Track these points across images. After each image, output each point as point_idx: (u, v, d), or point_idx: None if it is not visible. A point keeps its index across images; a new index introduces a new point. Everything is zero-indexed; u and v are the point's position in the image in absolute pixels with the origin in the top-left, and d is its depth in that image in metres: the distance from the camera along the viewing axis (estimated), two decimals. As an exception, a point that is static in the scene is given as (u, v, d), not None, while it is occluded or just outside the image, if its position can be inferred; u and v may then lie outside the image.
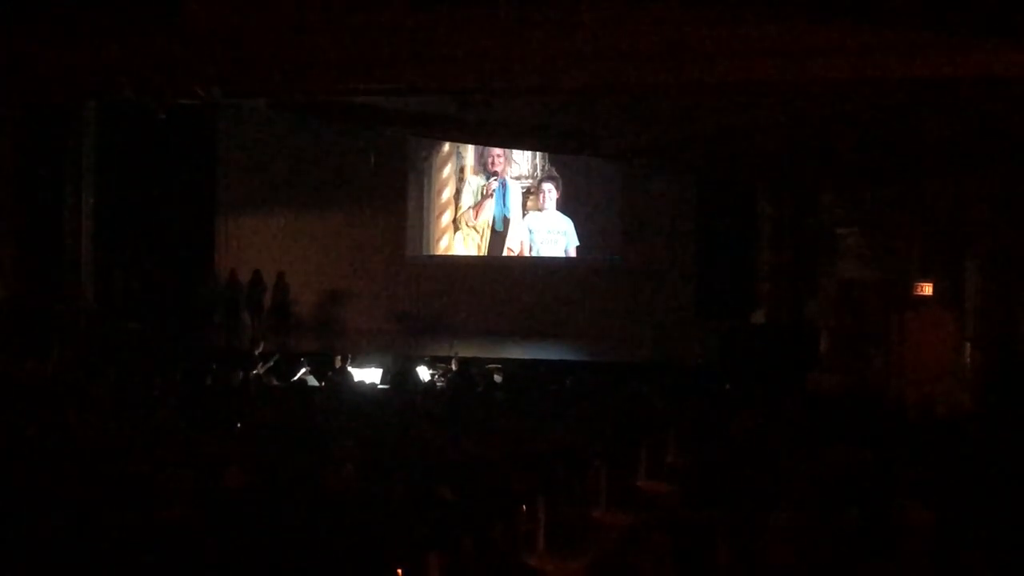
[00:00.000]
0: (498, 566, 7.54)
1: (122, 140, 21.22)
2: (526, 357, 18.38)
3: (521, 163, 22.50)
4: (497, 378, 15.49)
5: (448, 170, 22.92)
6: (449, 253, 22.88)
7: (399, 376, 15.20)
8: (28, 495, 7.13)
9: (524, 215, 22.53)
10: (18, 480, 7.55)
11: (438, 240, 22.99)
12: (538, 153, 21.96)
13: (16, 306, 17.95)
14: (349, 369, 15.05)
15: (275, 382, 15.01)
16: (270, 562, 6.02)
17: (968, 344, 14.26)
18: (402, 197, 22.80)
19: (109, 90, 14.45)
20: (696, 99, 13.57)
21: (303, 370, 15.33)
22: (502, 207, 22.55)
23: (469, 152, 22.65)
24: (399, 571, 6.68)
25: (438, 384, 15.08)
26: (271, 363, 15.68)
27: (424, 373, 15.88)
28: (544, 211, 22.45)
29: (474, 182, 22.77)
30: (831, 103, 13.04)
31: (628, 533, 8.44)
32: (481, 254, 22.69)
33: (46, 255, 19.97)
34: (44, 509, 6.83)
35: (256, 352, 16.12)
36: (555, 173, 22.31)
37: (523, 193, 22.53)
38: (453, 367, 15.78)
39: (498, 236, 22.57)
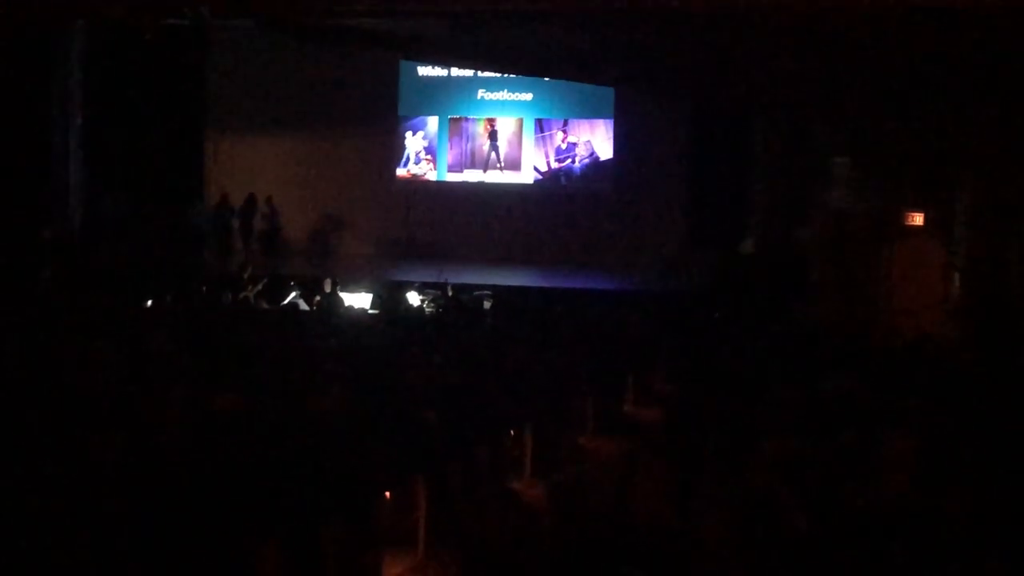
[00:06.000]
0: (484, 491, 7.59)
1: (111, 61, 21.04)
2: (516, 284, 18.39)
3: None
4: (486, 304, 15.50)
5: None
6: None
7: (389, 301, 15.20)
8: (16, 418, 7.13)
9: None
10: (6, 404, 7.54)
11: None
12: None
13: (3, 230, 17.86)
14: (339, 294, 15.04)
15: (265, 305, 15.01)
16: (257, 484, 6.04)
17: (957, 274, 14.28)
18: (394, 120, 22.63)
19: (98, 10, 14.28)
20: (690, 24, 13.44)
21: (293, 294, 15.33)
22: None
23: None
24: (387, 494, 6.72)
25: (427, 310, 15.09)
26: (259, 286, 15.66)
27: (414, 298, 15.87)
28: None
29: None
30: (826, 30, 12.91)
31: (615, 459, 8.49)
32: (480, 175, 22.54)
33: (33, 178, 19.87)
34: (33, 432, 6.84)
35: (244, 275, 16.08)
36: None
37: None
38: (448, 292, 15.78)
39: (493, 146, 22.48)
